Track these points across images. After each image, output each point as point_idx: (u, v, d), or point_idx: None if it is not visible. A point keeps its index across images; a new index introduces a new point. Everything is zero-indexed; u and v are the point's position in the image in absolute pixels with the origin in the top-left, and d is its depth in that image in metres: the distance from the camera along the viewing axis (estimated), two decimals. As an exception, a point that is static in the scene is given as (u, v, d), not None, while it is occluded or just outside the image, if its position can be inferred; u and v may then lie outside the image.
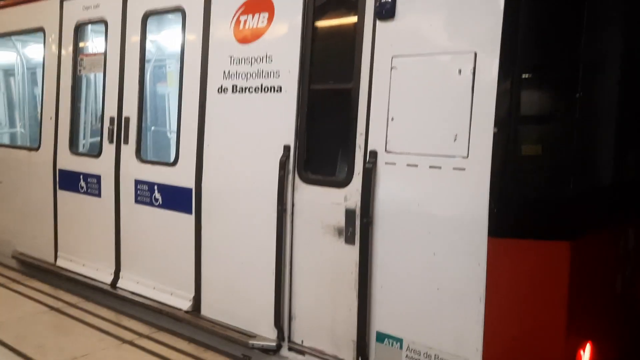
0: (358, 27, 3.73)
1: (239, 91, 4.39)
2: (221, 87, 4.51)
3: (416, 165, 3.43)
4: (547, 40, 3.26)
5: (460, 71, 3.26)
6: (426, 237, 3.40)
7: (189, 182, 4.74)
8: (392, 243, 3.56)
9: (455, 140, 3.27)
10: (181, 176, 4.81)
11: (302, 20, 4.02)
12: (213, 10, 4.59)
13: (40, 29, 6.28)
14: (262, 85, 4.25)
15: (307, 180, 4.01)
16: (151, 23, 5.78)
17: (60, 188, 6.03)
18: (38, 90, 7.21)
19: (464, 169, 3.24)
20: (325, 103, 4.14)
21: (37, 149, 6.31)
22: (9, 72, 9.19)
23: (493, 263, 3.18)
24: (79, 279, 5.72)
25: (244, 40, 4.38)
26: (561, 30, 3.27)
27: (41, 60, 6.37)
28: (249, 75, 4.32)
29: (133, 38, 5.27)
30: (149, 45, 6.47)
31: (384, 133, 3.57)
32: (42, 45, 6.34)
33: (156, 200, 5.04)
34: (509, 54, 3.14)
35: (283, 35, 4.15)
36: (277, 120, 4.16)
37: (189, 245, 4.75)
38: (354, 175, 3.73)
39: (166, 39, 6.21)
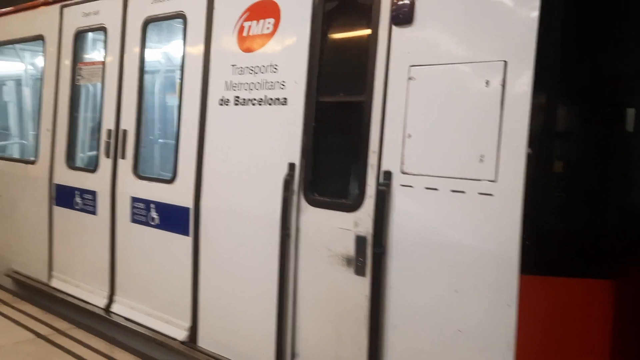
0: (372, 34, 3.34)
1: (242, 103, 4.02)
2: (223, 98, 4.15)
3: (436, 189, 3.02)
4: (587, 46, 2.86)
5: (487, 82, 2.86)
6: (447, 271, 2.98)
7: (187, 201, 4.37)
8: (409, 277, 3.14)
9: (481, 161, 2.85)
10: (179, 194, 4.45)
11: (310, 26, 3.65)
12: (215, 15, 4.25)
13: (40, 37, 6.00)
14: (266, 97, 3.88)
15: (314, 203, 3.62)
16: (159, 32, 5.48)
17: (56, 204, 5.70)
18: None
19: (491, 195, 2.82)
20: (335, 117, 3.76)
21: (34, 162, 6.00)
22: (16, 82, 8.97)
23: (525, 304, 2.74)
24: (72, 301, 5.37)
25: (247, 48, 4.02)
26: (603, 37, 2.86)
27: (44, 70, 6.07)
28: (252, 86, 3.96)
29: (132, 46, 4.95)
30: (158, 55, 6.20)
31: (400, 152, 3.16)
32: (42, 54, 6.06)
33: (152, 219, 4.68)
34: (545, 62, 2.73)
35: (289, 43, 3.78)
36: (282, 135, 3.78)
37: (186, 270, 4.37)
38: (366, 198, 3.33)
39: (175, 48, 5.89)
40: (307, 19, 3.66)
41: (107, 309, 5.07)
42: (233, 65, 4.09)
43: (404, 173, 3.15)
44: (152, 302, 4.73)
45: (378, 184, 3.25)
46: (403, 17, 3.18)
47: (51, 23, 5.83)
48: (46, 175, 5.77)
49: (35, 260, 5.96)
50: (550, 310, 2.78)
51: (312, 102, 3.64)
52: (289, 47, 3.78)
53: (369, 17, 3.38)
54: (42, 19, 6.02)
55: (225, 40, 4.17)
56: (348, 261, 3.42)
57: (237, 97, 4.06)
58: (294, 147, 3.69)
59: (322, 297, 3.56)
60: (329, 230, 3.51)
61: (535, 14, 2.75)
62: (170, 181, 4.54)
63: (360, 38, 3.54)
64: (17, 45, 7.36)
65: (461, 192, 2.93)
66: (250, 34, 4.02)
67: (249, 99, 3.98)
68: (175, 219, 4.48)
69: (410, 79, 3.14)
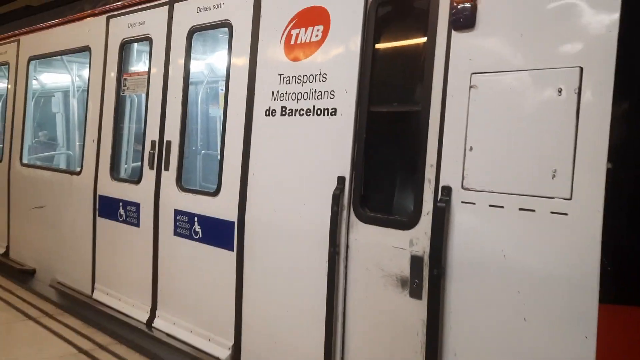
0: (429, 39, 3.13)
1: (289, 114, 3.86)
2: (269, 109, 4.00)
3: (502, 207, 2.77)
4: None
5: (560, 91, 2.60)
6: (515, 297, 2.72)
7: (231, 215, 4.23)
8: (470, 302, 2.89)
9: (553, 177, 2.60)
10: (223, 208, 4.31)
11: (362, 32, 3.46)
12: (262, 23, 4.11)
13: (86, 48, 6.01)
14: (314, 107, 3.70)
15: (365, 219, 3.41)
16: (204, 42, 5.40)
17: (100, 215, 5.66)
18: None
19: (565, 214, 2.56)
20: (387, 128, 3.55)
21: (79, 173, 5.99)
22: (64, 94, 9.11)
23: (604, 336, 2.46)
24: (114, 315, 5.30)
25: (295, 56, 3.86)
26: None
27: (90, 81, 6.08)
28: (299, 95, 3.79)
29: (177, 56, 4.86)
30: (201, 66, 6.13)
31: (461, 165, 2.93)
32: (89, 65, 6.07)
33: (196, 233, 4.55)
34: (627, 68, 2.46)
35: (339, 51, 3.60)
36: (331, 147, 3.59)
37: (230, 286, 4.21)
38: (422, 215, 3.10)
39: (219, 58, 5.80)
40: (359, 25, 3.48)
41: (149, 324, 4.97)
42: (280, 75, 3.94)
43: (465, 189, 2.91)
44: (194, 318, 4.60)
45: (436, 200, 3.02)
46: (464, 21, 2.96)
47: (97, 34, 5.83)
48: (90, 186, 5.75)
49: (79, 272, 5.93)
50: (634, 345, 2.49)
51: (364, 112, 3.44)
52: (338, 55, 3.60)
53: (425, 22, 3.16)
54: (88, 30, 6.04)
55: (271, 49, 4.03)
56: (402, 282, 3.19)
57: (284, 107, 3.90)
58: (344, 160, 3.50)
59: (374, 320, 3.33)
60: (381, 249, 3.30)
61: (615, 15, 2.49)
62: (214, 194, 4.41)
63: (415, 44, 3.34)
64: (65, 57, 7.46)
65: (530, 210, 2.67)
66: (298, 41, 3.86)
67: (296, 109, 3.81)
68: (218, 233, 4.35)
69: (472, 87, 2.91)
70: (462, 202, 2.92)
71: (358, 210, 3.43)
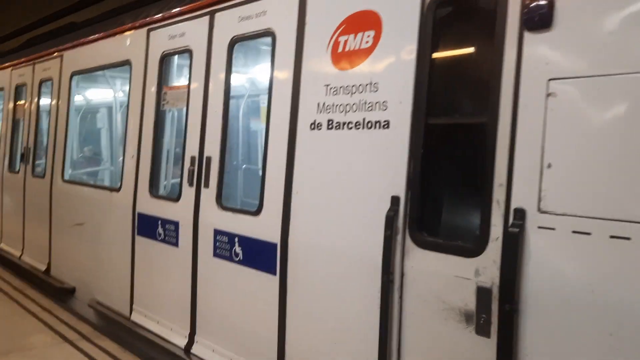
0: (497, 42, 2.77)
1: (336, 127, 3.55)
2: (314, 122, 3.70)
3: (588, 233, 2.37)
4: None
5: (661, 97, 2.20)
6: (606, 340, 2.31)
7: (273, 236, 3.93)
8: (549, 344, 2.49)
9: (655, 199, 2.19)
10: (265, 228, 4.02)
11: (418, 37, 3.13)
12: (307, 30, 3.83)
13: (127, 62, 5.87)
14: (364, 120, 3.38)
15: (422, 244, 3.05)
16: (246, 53, 5.17)
17: (139, 234, 5.46)
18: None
19: (670, 244, 2.15)
20: (448, 142, 3.19)
21: (118, 189, 5.83)
22: (105, 109, 9.11)
23: None
24: (152, 338, 5.06)
25: (343, 65, 3.56)
26: None
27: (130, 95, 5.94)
28: (348, 107, 3.48)
29: (218, 68, 4.63)
30: (243, 79, 5.91)
31: (536, 185, 2.55)
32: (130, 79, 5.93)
33: (236, 254, 4.27)
34: None
35: (393, 58, 3.27)
36: (384, 164, 3.26)
37: (272, 314, 3.91)
38: (490, 242, 2.72)
39: (261, 70, 5.56)
40: (414, 29, 3.14)
41: (187, 350, 4.70)
42: (326, 85, 3.64)
43: (542, 212, 2.53)
44: (234, 346, 4.30)
45: (507, 224, 2.64)
46: (539, 20, 2.59)
47: (138, 47, 5.69)
48: (130, 204, 5.57)
49: (117, 292, 5.75)
50: None
51: (420, 125, 3.09)
52: (392, 63, 3.27)
53: (492, 23, 2.81)
54: (129, 44, 5.91)
55: (317, 58, 3.74)
56: (467, 317, 2.81)
57: (331, 120, 3.59)
58: (398, 178, 3.15)
59: (434, 358, 2.96)
60: (442, 278, 2.93)
61: None
62: (255, 213, 4.12)
63: (480, 48, 2.98)
64: (108, 72, 7.39)
65: (625, 238, 2.27)
66: (347, 49, 3.55)
67: (345, 122, 3.50)
68: (260, 256, 4.06)
69: (549, 95, 2.54)
70: (539, 227, 2.54)
71: (415, 234, 3.08)
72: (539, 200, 2.54)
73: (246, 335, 4.19)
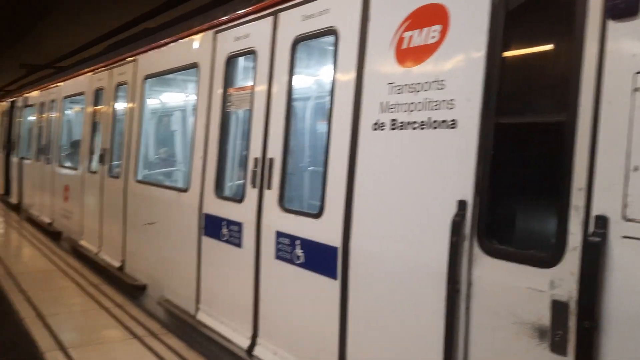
0: (577, 33, 2.52)
1: (399, 127, 3.40)
2: (377, 122, 3.56)
3: (684, 246, 2.10)
4: None
5: None
6: None
7: (334, 240, 3.83)
8: (636, 367, 2.23)
9: None
10: (326, 231, 3.92)
11: (488, 30, 2.92)
12: (371, 27, 3.70)
13: (195, 65, 5.97)
14: (429, 119, 3.21)
15: (492, 252, 2.84)
16: (309, 53, 5.11)
17: (205, 234, 5.52)
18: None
19: None
20: (520, 143, 2.97)
21: (186, 190, 5.93)
22: (176, 112, 9.36)
23: None
24: (216, 338, 5.09)
25: (407, 62, 3.40)
26: None
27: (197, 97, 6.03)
28: (412, 106, 3.32)
29: (281, 68, 4.59)
30: (305, 78, 5.85)
31: (621, 190, 2.30)
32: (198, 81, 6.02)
33: (297, 257, 4.20)
34: None
35: (461, 53, 3.08)
36: (449, 166, 3.07)
37: (333, 319, 3.80)
38: (567, 251, 2.49)
39: (324, 69, 5.49)
40: (485, 22, 2.94)
41: (249, 352, 4.69)
42: (390, 84, 3.49)
43: (627, 220, 2.27)
44: (296, 350, 4.24)
45: (586, 232, 2.40)
46: (625, 7, 2.33)
47: (205, 50, 5.76)
48: (196, 204, 5.64)
49: (184, 290, 5.85)
50: None
51: (490, 125, 2.89)
52: (459, 58, 3.08)
53: (570, 13, 2.56)
54: (197, 47, 6.00)
55: (380, 55, 3.60)
56: (540, 333, 2.59)
57: (394, 120, 3.44)
58: (466, 181, 2.96)
59: (503, 376, 2.75)
60: (512, 290, 2.71)
61: None
62: (316, 216, 4.03)
63: (558, 40, 2.74)
64: (179, 76, 7.57)
65: None
66: (411, 45, 3.39)
67: (409, 122, 3.34)
68: (321, 259, 3.96)
69: (636, 90, 2.28)
70: (624, 236, 2.28)
71: (483, 242, 2.88)
72: (624, 206, 2.28)
73: (307, 340, 4.11)
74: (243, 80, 5.42)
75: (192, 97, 7.83)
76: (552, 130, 2.67)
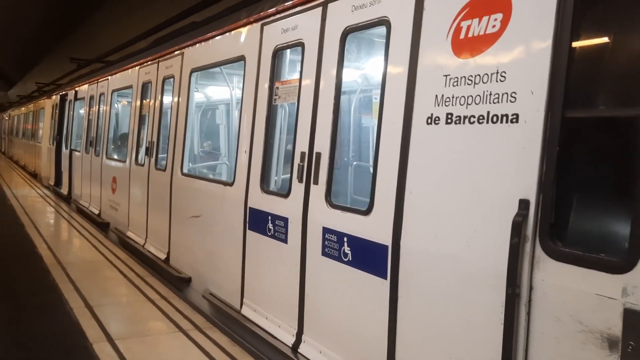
0: (657, 19, 2.32)
1: (455, 121, 3.24)
2: (431, 116, 3.41)
3: None
4: None
5: None
6: None
7: (384, 238, 3.70)
8: None
9: None
10: (375, 229, 3.80)
11: (555, 17, 2.74)
12: (425, 17, 3.54)
13: (241, 58, 5.92)
14: (488, 113, 3.04)
15: (556, 255, 2.66)
16: (359, 45, 4.99)
17: (250, 228, 5.48)
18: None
19: None
20: (591, 139, 2.77)
21: (232, 184, 5.90)
22: (223, 105, 9.39)
23: None
24: (260, 334, 5.05)
25: (465, 53, 3.23)
26: None
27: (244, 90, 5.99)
28: (470, 99, 3.15)
29: (329, 60, 4.48)
30: (354, 72, 5.74)
31: None
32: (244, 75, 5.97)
33: (345, 255, 4.10)
34: None
35: (525, 43, 2.90)
36: (510, 162, 2.90)
37: (382, 320, 3.68)
38: (643, 257, 2.30)
39: (374, 62, 5.36)
40: (552, 8, 2.75)
41: (294, 349, 4.62)
42: (445, 76, 3.34)
43: None
44: (341, 349, 4.14)
45: (666, 237, 2.20)
46: None
47: (252, 42, 5.70)
48: (242, 198, 5.61)
49: (229, 285, 5.83)
50: None
51: (556, 119, 2.70)
52: (523, 48, 2.90)
53: (650, -3, 2.36)
54: (243, 39, 5.95)
55: (436, 46, 3.45)
56: (610, 343, 2.40)
57: (450, 114, 3.28)
58: (528, 178, 2.79)
59: (568, 388, 2.57)
60: (579, 296, 2.54)
61: None
62: (365, 212, 3.92)
63: (634, 27, 2.53)
64: (226, 70, 7.56)
65: None
66: (469, 35, 3.22)
67: (466, 116, 3.18)
68: (370, 257, 3.84)
69: None
70: None
71: (547, 244, 2.70)
72: None
73: (354, 340, 4.01)
74: (290, 73, 5.34)
75: (238, 91, 7.83)
76: (626, 125, 2.47)
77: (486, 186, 3.03)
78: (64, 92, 16.74)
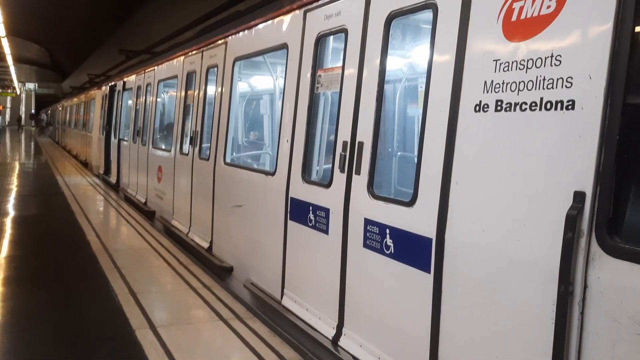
0: None
1: (506, 109, 3.07)
2: (479, 103, 3.25)
3: None
4: None
5: None
6: None
7: (428, 230, 3.57)
8: None
9: None
10: (419, 221, 3.67)
11: (617, -4, 2.54)
12: (474, -1, 3.37)
13: (284, 46, 5.85)
14: (541, 100, 2.86)
15: (614, 251, 2.48)
16: (404, 31, 4.83)
17: (291, 218, 5.43)
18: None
19: None
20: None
21: (273, 173, 5.86)
22: (272, 95, 9.36)
23: None
24: (300, 325, 5.00)
25: (517, 36, 3.05)
26: None
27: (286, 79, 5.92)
28: (522, 85, 2.98)
29: (373, 47, 4.35)
30: (399, 59, 5.58)
31: None
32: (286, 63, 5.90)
33: (387, 247, 3.98)
34: None
35: (583, 24, 2.70)
36: (565, 152, 2.72)
37: (424, 315, 3.56)
38: None
39: (418, 48, 5.19)
40: (613, -14, 2.55)
41: (334, 342, 4.55)
42: (495, 61, 3.16)
43: None
44: (382, 344, 4.04)
45: None
46: None
47: (294, 30, 5.62)
48: (283, 188, 5.56)
49: (269, 275, 5.81)
50: None
51: (616, 105, 2.51)
52: (581, 29, 2.71)
53: None
54: (286, 27, 5.88)
55: (485, 29, 3.27)
56: (674, 348, 2.22)
57: (500, 100, 3.11)
58: (585, 169, 2.61)
59: (625, 394, 2.40)
60: (638, 295, 2.35)
61: None
62: (409, 204, 3.79)
63: None
64: (268, 59, 7.52)
65: None
66: (522, 17, 3.04)
67: (517, 103, 3.00)
68: (413, 250, 3.72)
69: None
70: None
71: (604, 239, 2.52)
72: None
73: (395, 335, 3.90)
74: (333, 60, 5.23)
75: (280, 80, 7.78)
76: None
77: (538, 177, 2.86)
78: (112, 83, 17.13)
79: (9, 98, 70.58)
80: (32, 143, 37.37)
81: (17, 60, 54.38)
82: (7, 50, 42.52)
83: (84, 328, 4.99)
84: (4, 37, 34.21)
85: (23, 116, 69.35)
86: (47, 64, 64.22)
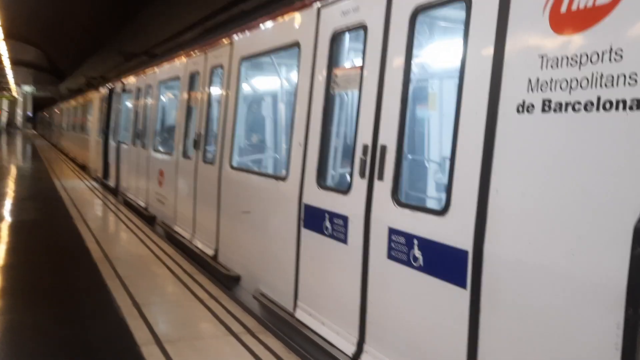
0: None
1: (555, 109, 2.78)
2: (523, 103, 2.96)
3: None
4: None
5: None
6: None
7: (464, 242, 3.27)
8: None
9: None
10: (453, 231, 3.38)
11: (693, -20, 2.25)
12: (515, -10, 3.08)
13: (296, 44, 5.55)
14: (599, 99, 2.57)
15: (693, 270, 2.19)
16: (430, 27, 4.54)
17: (305, 226, 5.13)
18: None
19: None
20: None
21: (285, 178, 5.55)
22: (273, 96, 9.05)
23: None
24: (317, 340, 4.69)
25: (567, 29, 2.77)
26: None
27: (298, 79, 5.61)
28: (574, 83, 2.69)
29: (397, 44, 4.06)
30: (429, 59, 5.26)
31: None
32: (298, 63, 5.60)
33: (415, 259, 3.69)
34: None
35: (647, 13, 2.42)
36: (629, 159, 2.43)
37: (460, 334, 3.26)
38: None
39: (448, 45, 4.84)
40: (688, -30, 2.27)
41: (355, 359, 4.24)
42: (542, 56, 2.88)
43: None
44: (410, 363, 3.74)
45: None
46: None
47: (307, 28, 5.33)
48: (296, 194, 5.26)
49: (281, 285, 5.50)
50: None
51: (692, 105, 2.22)
52: (647, 20, 2.42)
53: None
54: (297, 25, 5.58)
55: (529, 22, 2.99)
56: None
57: (548, 100, 2.82)
58: (654, 177, 2.32)
59: None
60: None
61: None
62: (441, 212, 3.49)
63: None
64: (276, 60, 7.23)
65: None
66: (573, 8, 2.75)
67: (568, 103, 2.71)
68: (446, 263, 3.42)
69: None
70: None
71: (680, 256, 2.23)
72: None
73: (424, 354, 3.60)
74: (350, 59, 4.94)
75: (291, 81, 7.49)
76: None
77: (595, 185, 2.57)
78: (111, 85, 16.81)
79: (5, 101, 70.26)
80: (29, 146, 36.98)
81: (15, 63, 54.06)
82: (4, 53, 42.17)
83: (86, 343, 4.68)
84: (2, 40, 33.89)
85: (17, 118, 69.24)
86: (44, 67, 63.92)
